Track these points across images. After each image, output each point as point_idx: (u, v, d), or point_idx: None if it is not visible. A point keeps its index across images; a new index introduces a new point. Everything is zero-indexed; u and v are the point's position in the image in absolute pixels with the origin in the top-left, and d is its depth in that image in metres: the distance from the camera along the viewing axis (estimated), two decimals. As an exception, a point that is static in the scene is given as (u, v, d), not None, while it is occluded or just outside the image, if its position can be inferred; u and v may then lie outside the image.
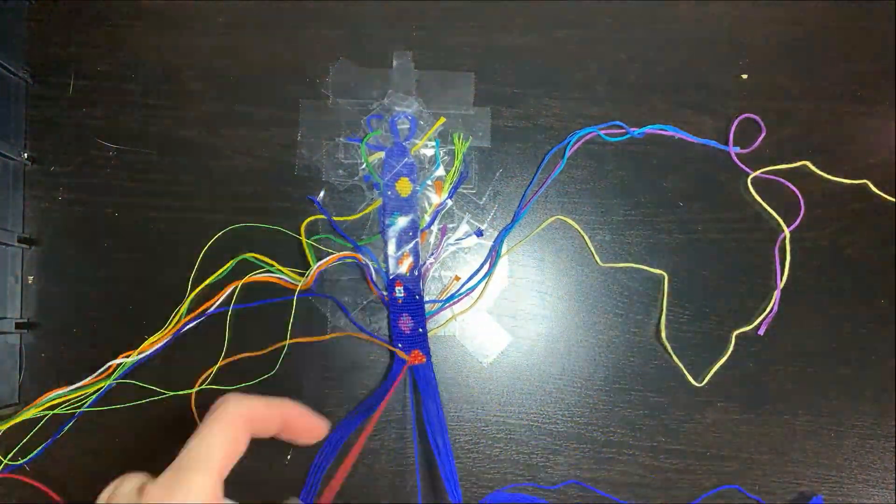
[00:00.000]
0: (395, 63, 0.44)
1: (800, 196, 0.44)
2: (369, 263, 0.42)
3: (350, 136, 0.43)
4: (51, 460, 0.41)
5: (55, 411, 0.41)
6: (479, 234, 0.43)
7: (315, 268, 0.41)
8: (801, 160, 0.45)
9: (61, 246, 0.43)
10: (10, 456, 0.41)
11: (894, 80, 0.46)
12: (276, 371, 0.42)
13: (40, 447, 0.41)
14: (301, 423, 0.30)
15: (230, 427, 0.28)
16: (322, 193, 0.43)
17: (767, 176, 0.44)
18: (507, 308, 0.43)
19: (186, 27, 0.44)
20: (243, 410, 0.28)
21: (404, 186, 0.43)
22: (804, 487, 0.43)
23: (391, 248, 0.42)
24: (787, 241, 0.44)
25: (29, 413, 0.40)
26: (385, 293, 0.42)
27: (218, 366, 0.42)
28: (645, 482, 0.42)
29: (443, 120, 0.44)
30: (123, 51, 0.44)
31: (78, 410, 0.41)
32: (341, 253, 0.42)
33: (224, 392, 0.32)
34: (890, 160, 0.45)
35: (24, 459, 0.41)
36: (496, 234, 0.43)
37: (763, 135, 0.45)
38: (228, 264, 0.42)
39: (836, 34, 0.46)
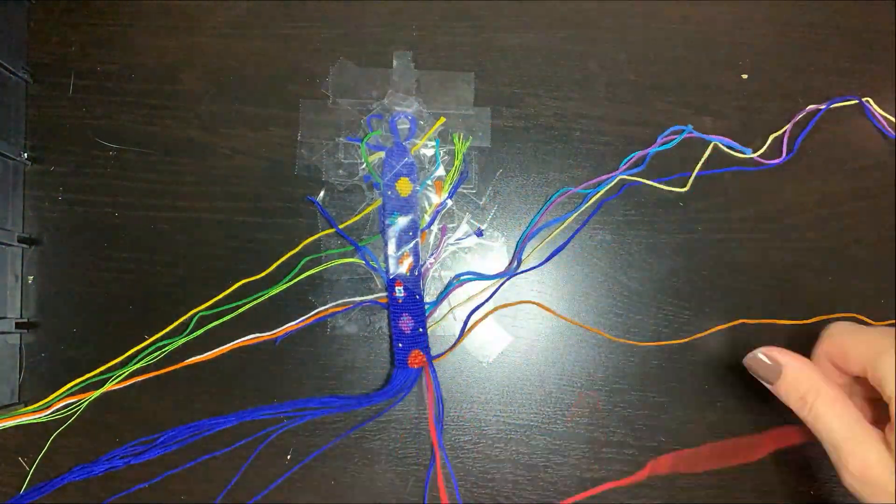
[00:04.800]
0: (395, 63, 0.44)
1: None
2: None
3: (350, 135, 0.43)
4: (51, 465, 0.41)
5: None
6: (480, 234, 0.43)
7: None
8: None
9: (61, 246, 0.43)
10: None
11: (894, 80, 0.46)
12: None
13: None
14: None
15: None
16: (322, 193, 0.43)
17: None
18: (506, 308, 0.43)
19: (186, 27, 0.44)
20: None
21: (404, 186, 0.43)
22: (806, 488, 0.43)
23: (391, 247, 0.42)
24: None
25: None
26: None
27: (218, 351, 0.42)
28: (645, 482, 0.42)
29: (443, 120, 0.44)
30: (123, 50, 0.44)
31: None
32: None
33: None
34: (890, 160, 0.45)
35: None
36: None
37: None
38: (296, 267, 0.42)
39: (837, 33, 0.46)
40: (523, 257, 0.43)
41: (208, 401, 0.42)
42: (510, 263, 0.43)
